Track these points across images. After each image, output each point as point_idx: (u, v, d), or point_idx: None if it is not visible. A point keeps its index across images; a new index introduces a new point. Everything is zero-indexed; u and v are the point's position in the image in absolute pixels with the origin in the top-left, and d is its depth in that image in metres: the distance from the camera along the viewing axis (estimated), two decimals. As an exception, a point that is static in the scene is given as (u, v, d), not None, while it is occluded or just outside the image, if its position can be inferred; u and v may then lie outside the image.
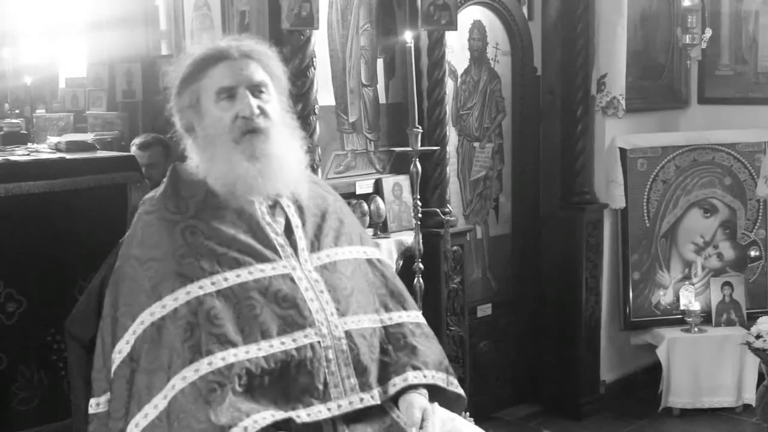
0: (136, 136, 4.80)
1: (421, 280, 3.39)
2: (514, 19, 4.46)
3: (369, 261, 2.26)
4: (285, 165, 2.11)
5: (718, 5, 5.04)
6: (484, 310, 4.48)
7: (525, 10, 4.60)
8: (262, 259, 2.04)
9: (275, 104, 2.13)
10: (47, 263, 3.14)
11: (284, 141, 2.13)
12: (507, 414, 4.60)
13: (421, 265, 3.40)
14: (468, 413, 3.43)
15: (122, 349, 1.96)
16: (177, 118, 2.17)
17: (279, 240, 2.10)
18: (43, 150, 3.62)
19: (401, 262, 3.67)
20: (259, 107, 2.08)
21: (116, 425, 1.93)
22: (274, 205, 2.16)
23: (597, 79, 4.58)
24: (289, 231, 2.14)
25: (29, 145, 4.03)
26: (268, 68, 2.14)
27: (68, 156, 3.36)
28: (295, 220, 2.16)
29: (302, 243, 2.13)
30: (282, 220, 2.15)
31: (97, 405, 2.02)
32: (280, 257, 2.06)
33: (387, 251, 3.58)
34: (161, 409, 1.86)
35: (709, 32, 4.85)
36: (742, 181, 4.82)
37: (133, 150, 4.50)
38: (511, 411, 4.63)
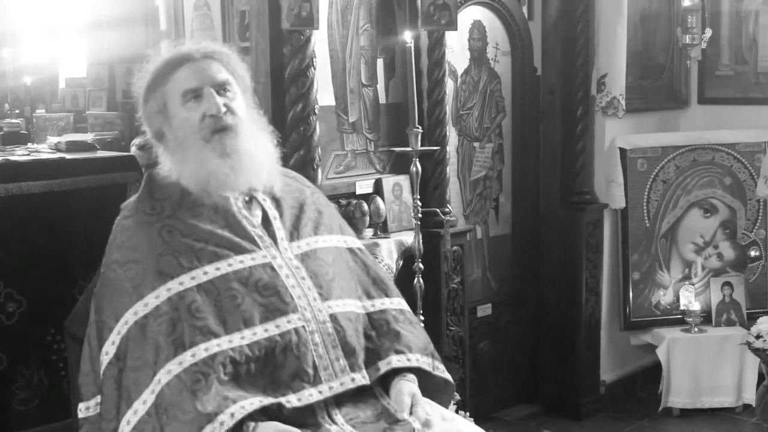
0: (136, 136, 4.80)
1: (421, 280, 3.39)
2: (514, 19, 4.46)
3: (350, 250, 2.28)
4: (255, 160, 2.15)
5: (718, 5, 5.04)
6: (484, 310, 4.48)
7: (525, 10, 4.60)
8: (241, 250, 2.06)
9: (240, 101, 2.17)
10: (47, 263, 3.14)
11: (253, 136, 2.17)
12: (507, 414, 4.60)
13: (421, 265, 3.40)
14: (468, 413, 3.43)
15: (108, 350, 1.97)
16: (146, 125, 2.20)
17: (257, 231, 2.12)
18: (43, 150, 3.62)
19: (401, 262, 3.67)
20: (226, 105, 2.11)
21: (108, 426, 1.94)
22: (250, 200, 2.19)
23: (597, 79, 4.58)
24: (266, 223, 2.17)
25: (29, 145, 4.03)
26: (229, 67, 2.18)
27: (68, 156, 3.36)
28: (272, 212, 2.19)
29: (281, 233, 2.15)
30: (259, 213, 2.18)
31: (86, 409, 2.04)
32: (259, 247, 2.09)
33: (387, 251, 3.58)
34: (150, 404, 1.87)
35: (709, 32, 4.86)
36: (742, 181, 4.82)
37: (133, 150, 4.49)
38: (511, 411, 4.63)
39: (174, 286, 1.97)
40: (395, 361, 2.11)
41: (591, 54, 4.55)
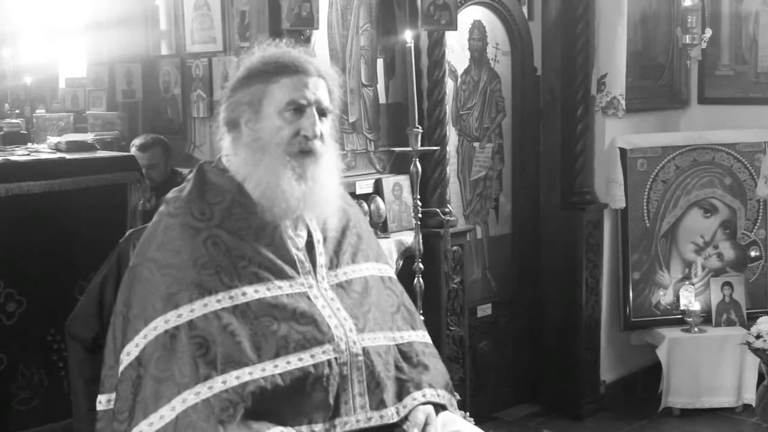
0: (136, 136, 4.80)
1: (421, 280, 3.39)
2: (514, 19, 4.46)
3: (381, 278, 2.25)
4: (325, 193, 2.10)
5: (718, 5, 5.04)
6: (484, 310, 4.48)
7: (525, 10, 4.60)
8: (281, 275, 2.02)
9: (329, 129, 2.13)
10: (47, 263, 3.14)
11: (330, 168, 2.13)
12: (507, 414, 4.60)
13: (421, 265, 3.40)
14: (468, 413, 3.43)
15: (131, 351, 1.94)
16: (225, 109, 2.11)
17: (299, 255, 2.09)
18: (43, 150, 3.62)
19: (401, 262, 3.67)
20: (321, 131, 2.07)
21: (120, 427, 1.91)
22: (297, 218, 2.13)
23: (597, 79, 4.58)
24: (309, 245, 2.13)
25: (29, 145, 4.03)
26: (332, 93, 2.14)
27: (68, 156, 3.36)
28: (317, 235, 2.15)
29: (322, 259, 2.13)
30: (304, 234, 2.14)
31: (108, 402, 2.00)
32: (299, 274, 2.05)
33: (387, 251, 3.58)
34: (167, 421, 1.85)
35: (709, 32, 4.86)
36: (742, 181, 4.82)
37: (133, 151, 4.50)
38: (511, 411, 4.64)
39: (211, 303, 1.94)
40: (429, 395, 2.11)
41: (591, 54, 4.55)
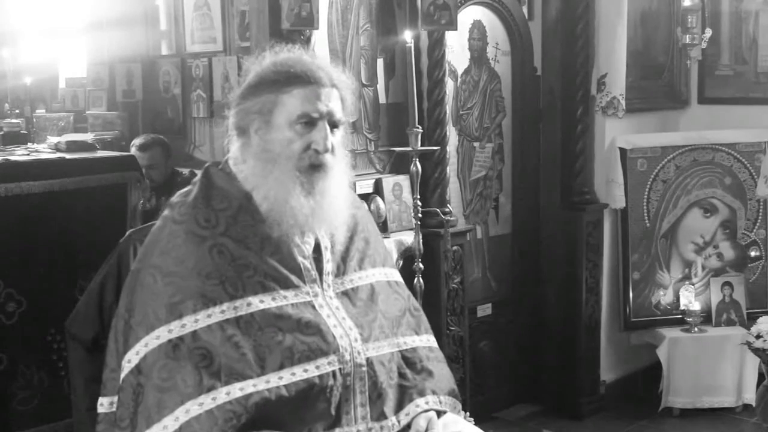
0: (136, 136, 4.80)
1: (421, 280, 3.39)
2: (514, 19, 4.46)
3: (388, 283, 2.23)
4: (334, 205, 2.07)
5: (718, 5, 5.04)
6: (484, 310, 4.48)
7: (525, 10, 4.60)
8: (286, 285, 2.00)
9: (341, 140, 2.09)
10: (47, 263, 3.14)
11: (340, 179, 2.09)
12: (507, 414, 4.60)
13: (421, 265, 3.40)
14: (468, 413, 3.43)
15: (131, 359, 1.93)
16: (235, 116, 2.06)
17: (306, 263, 2.06)
18: (43, 150, 3.62)
19: (401, 262, 3.67)
20: (332, 143, 2.03)
21: None
22: None
23: (597, 79, 4.58)
24: (317, 250, 2.11)
25: (29, 145, 4.03)
26: (345, 102, 2.09)
27: (68, 156, 3.37)
28: (325, 241, 2.13)
29: (329, 266, 2.10)
30: (311, 241, 2.11)
31: (110, 405, 1.99)
32: (304, 282, 2.03)
33: (387, 251, 3.58)
34: (171, 431, 1.84)
35: (709, 32, 4.86)
36: (742, 181, 4.82)
37: (133, 151, 4.50)
38: (511, 411, 4.63)
39: (215, 313, 1.92)
40: (432, 402, 2.10)
41: (591, 54, 4.54)
